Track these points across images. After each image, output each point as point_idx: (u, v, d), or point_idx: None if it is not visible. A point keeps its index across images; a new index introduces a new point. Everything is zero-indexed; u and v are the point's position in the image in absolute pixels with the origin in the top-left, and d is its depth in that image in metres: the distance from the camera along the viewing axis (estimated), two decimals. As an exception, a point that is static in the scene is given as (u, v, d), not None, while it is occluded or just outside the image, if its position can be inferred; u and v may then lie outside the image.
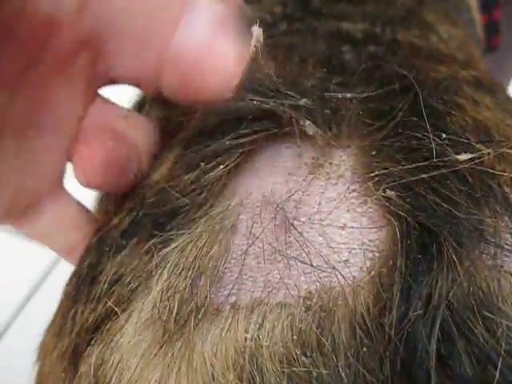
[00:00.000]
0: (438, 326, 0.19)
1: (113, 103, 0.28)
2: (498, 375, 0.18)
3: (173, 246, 0.23)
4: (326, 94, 0.26)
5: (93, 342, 0.24)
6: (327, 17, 0.38)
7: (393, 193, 0.21)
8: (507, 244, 0.21)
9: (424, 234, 0.21)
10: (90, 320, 0.25)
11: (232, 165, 0.24)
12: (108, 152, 0.26)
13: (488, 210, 0.21)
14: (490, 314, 0.19)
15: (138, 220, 0.25)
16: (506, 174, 0.22)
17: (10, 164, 0.27)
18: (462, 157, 0.22)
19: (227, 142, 0.24)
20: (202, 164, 0.24)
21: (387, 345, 0.19)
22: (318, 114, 0.24)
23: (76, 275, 0.29)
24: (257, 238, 0.22)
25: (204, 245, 0.22)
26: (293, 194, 0.23)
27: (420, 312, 0.19)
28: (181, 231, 0.23)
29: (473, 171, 0.22)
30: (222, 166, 0.23)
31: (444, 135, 0.23)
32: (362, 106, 0.25)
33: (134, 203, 0.26)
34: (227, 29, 0.24)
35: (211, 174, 0.23)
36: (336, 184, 0.23)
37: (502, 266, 0.20)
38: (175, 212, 0.24)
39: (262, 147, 0.24)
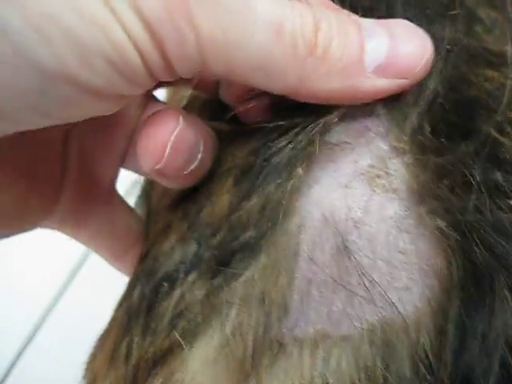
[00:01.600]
0: (496, 364, 0.19)
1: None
2: None
3: (239, 280, 0.23)
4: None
5: (152, 373, 0.25)
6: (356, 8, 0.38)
7: (444, 223, 0.21)
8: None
9: (477, 267, 0.21)
10: (151, 351, 0.25)
11: (291, 182, 0.24)
12: (175, 129, 0.26)
13: None
14: None
15: (197, 253, 0.25)
16: None
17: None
18: None
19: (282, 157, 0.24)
20: (260, 188, 0.24)
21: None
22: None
23: (126, 302, 0.29)
24: (318, 264, 0.22)
25: (270, 276, 0.22)
26: (351, 213, 0.23)
27: (476, 353, 0.19)
28: (245, 264, 0.23)
29: None
30: (281, 187, 0.23)
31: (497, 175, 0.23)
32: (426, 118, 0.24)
33: (187, 231, 0.27)
34: None
35: (273, 196, 0.24)
36: (393, 200, 0.23)
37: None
38: (241, 246, 0.24)
39: (317, 152, 0.24)
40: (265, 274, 0.23)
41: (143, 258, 0.30)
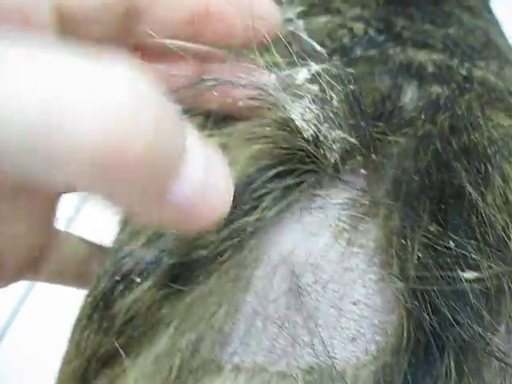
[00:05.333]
0: None
1: None
2: None
3: (184, 300, 0.24)
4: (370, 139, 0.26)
5: (100, 374, 0.26)
6: (406, 42, 0.38)
7: (403, 286, 0.22)
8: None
9: (430, 333, 0.21)
10: (101, 351, 0.26)
11: (257, 216, 0.24)
12: None
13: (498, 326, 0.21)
14: None
15: (158, 260, 0.26)
16: None
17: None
18: (467, 275, 0.22)
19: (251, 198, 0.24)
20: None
21: None
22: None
23: (92, 294, 0.31)
24: (268, 299, 0.23)
25: (213, 303, 0.23)
26: (311, 258, 0.23)
27: None
28: (194, 285, 0.24)
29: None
30: (243, 221, 0.24)
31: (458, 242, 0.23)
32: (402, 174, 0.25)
33: (153, 236, 0.27)
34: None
35: (233, 226, 0.24)
36: (357, 254, 0.23)
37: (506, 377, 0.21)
38: (195, 265, 0.24)
39: (288, 199, 0.25)
40: (209, 299, 0.23)
41: (115, 251, 0.31)
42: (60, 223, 0.32)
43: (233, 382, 0.22)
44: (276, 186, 0.24)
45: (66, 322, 0.33)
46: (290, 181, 0.25)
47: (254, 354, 0.22)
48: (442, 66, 0.36)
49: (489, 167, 0.27)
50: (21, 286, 0.88)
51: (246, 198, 0.24)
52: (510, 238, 0.24)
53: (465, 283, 0.22)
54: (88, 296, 0.32)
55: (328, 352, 0.22)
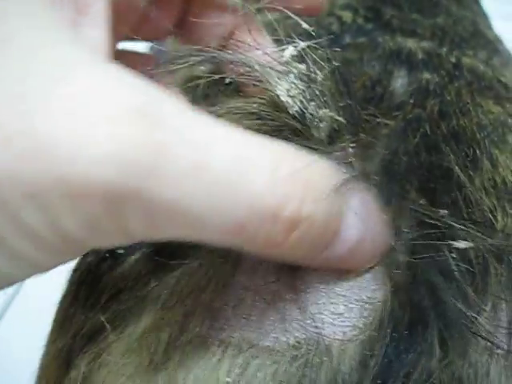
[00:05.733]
0: None
1: None
2: None
3: (172, 273, 0.24)
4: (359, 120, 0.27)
5: (85, 349, 0.26)
6: (395, 31, 0.39)
7: (390, 260, 0.22)
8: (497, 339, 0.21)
9: (415, 310, 0.21)
10: (86, 328, 0.26)
11: None
12: None
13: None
14: None
15: None
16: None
17: None
18: (459, 244, 0.22)
19: None
20: None
21: None
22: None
23: (78, 270, 0.30)
24: (257, 275, 0.23)
25: (203, 278, 0.23)
26: None
27: None
28: (183, 259, 0.24)
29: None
30: None
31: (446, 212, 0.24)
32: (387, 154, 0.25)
33: None
34: None
35: None
36: None
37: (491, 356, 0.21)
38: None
39: None
40: (197, 274, 0.23)
41: None
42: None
43: (220, 356, 0.22)
44: None
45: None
46: None
47: (242, 330, 0.23)
48: (432, 54, 0.36)
49: (477, 151, 0.27)
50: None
51: None
52: (497, 220, 0.25)
53: (450, 260, 0.22)
54: (74, 273, 0.32)
55: (316, 327, 0.22)
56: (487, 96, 0.33)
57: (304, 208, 0.20)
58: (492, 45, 0.42)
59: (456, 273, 0.22)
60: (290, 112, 0.24)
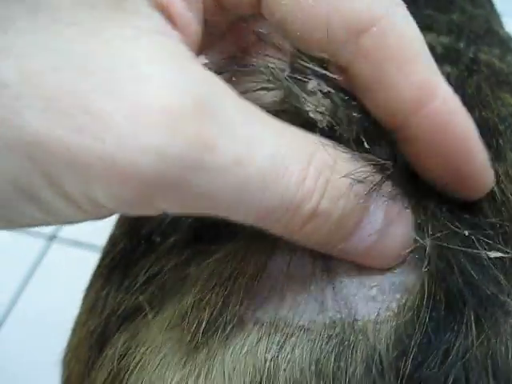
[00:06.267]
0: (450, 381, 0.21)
1: None
2: None
3: (210, 258, 0.25)
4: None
5: (121, 329, 0.27)
6: None
7: (427, 244, 0.23)
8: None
9: (450, 293, 0.23)
10: (122, 308, 0.28)
11: None
12: None
13: None
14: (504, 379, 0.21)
15: (178, 222, 0.28)
16: None
17: None
18: (492, 254, 0.23)
19: None
20: None
21: None
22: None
23: (110, 255, 0.32)
24: (293, 259, 0.24)
25: (240, 261, 0.24)
26: None
27: (435, 370, 0.21)
28: (219, 246, 0.25)
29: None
30: None
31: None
32: None
33: None
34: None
35: None
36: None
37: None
38: (216, 224, 0.25)
39: None
40: (236, 258, 0.25)
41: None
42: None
43: (258, 335, 0.23)
44: None
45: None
46: None
47: (278, 310, 0.24)
48: (450, 48, 0.37)
49: (500, 141, 0.28)
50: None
51: None
52: None
53: (480, 248, 0.23)
54: (104, 258, 0.33)
55: (350, 309, 0.23)
56: (505, 90, 0.34)
57: (321, 204, 0.22)
58: (505, 43, 0.43)
59: (486, 260, 0.23)
60: (319, 126, 0.25)
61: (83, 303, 0.33)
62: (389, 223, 0.24)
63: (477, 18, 0.44)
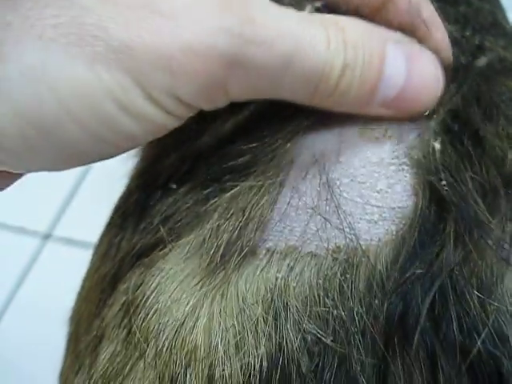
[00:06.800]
0: (435, 288, 0.23)
1: None
2: (480, 343, 0.22)
3: (225, 194, 0.27)
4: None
5: (135, 265, 0.29)
6: None
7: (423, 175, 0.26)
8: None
9: (442, 209, 0.25)
10: (137, 247, 0.29)
11: (290, 128, 0.28)
12: None
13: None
14: (486, 296, 0.23)
15: (193, 169, 0.30)
16: None
17: None
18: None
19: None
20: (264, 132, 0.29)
21: (389, 298, 0.23)
22: None
23: (122, 208, 0.33)
24: (300, 193, 0.26)
25: (254, 195, 0.27)
26: (340, 157, 0.27)
27: (420, 271, 0.23)
28: (235, 183, 0.27)
29: None
30: (281, 133, 0.28)
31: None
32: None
33: (187, 153, 0.31)
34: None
35: (273, 135, 0.28)
36: (381, 148, 0.27)
37: (509, 264, 0.24)
38: (234, 168, 0.28)
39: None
40: (249, 193, 0.27)
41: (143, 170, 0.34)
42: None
43: (268, 260, 0.25)
44: None
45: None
46: None
47: (287, 239, 0.26)
48: (457, 36, 0.39)
49: (494, 111, 0.30)
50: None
51: None
52: (507, 157, 0.28)
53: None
54: (116, 210, 0.34)
55: (354, 234, 0.25)
56: (509, 77, 0.36)
57: (348, 58, 0.25)
58: (509, 35, 0.44)
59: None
60: None
61: (95, 253, 0.35)
62: (412, 63, 0.27)
63: (482, 11, 0.46)
